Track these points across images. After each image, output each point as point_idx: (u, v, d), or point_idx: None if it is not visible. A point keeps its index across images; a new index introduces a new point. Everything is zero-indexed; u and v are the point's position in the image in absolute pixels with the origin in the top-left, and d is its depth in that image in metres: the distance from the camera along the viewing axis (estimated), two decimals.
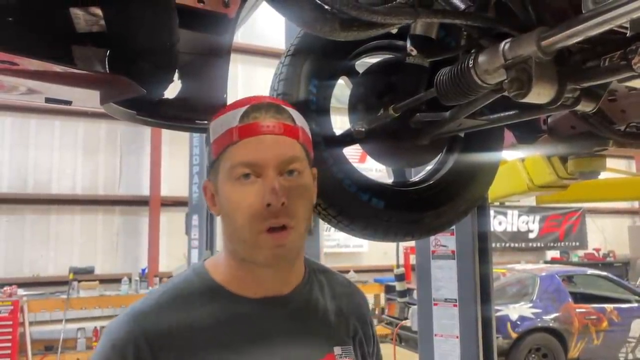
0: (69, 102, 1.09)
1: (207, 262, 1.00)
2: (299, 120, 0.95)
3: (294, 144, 0.92)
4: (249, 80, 9.25)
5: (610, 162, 2.34)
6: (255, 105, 0.92)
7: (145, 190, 9.24)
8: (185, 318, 0.91)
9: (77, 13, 1.10)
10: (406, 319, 6.59)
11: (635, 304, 7.27)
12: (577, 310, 6.88)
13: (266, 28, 8.43)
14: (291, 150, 0.91)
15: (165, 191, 9.23)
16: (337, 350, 0.98)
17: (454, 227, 2.46)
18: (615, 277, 7.98)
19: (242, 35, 8.70)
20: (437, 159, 1.61)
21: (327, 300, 1.04)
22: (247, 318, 0.93)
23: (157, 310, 0.92)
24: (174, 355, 0.88)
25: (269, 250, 0.89)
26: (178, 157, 8.96)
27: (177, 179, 8.97)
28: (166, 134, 9.10)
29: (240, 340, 0.91)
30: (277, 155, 0.89)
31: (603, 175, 2.44)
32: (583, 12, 0.95)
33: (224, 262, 0.97)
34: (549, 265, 9.44)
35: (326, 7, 0.94)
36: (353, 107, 1.44)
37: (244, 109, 0.91)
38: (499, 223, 12.22)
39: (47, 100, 1.05)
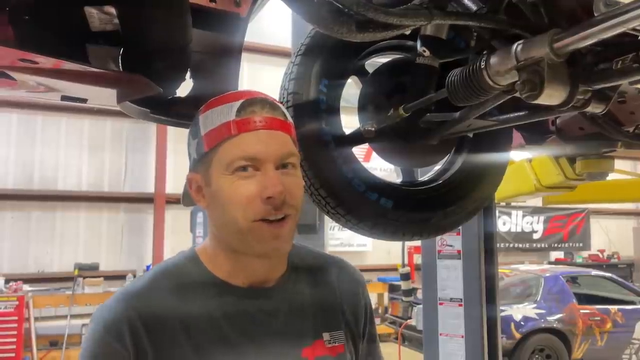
0: (84, 100, 1.10)
1: (197, 248, 1.01)
2: (289, 116, 0.97)
3: (288, 139, 0.94)
4: (254, 78, 9.26)
5: (616, 164, 2.34)
6: (250, 100, 0.92)
7: (150, 188, 9.26)
8: (177, 302, 0.91)
9: (91, 12, 1.12)
10: (409, 318, 6.60)
11: None
12: (581, 311, 6.88)
13: (272, 27, 8.42)
14: (287, 145, 0.93)
15: (170, 189, 9.25)
16: (325, 336, 0.99)
17: (460, 227, 2.46)
18: (619, 279, 7.97)
19: (248, 34, 8.66)
20: (445, 159, 1.62)
21: (315, 288, 1.03)
22: (236, 307, 0.94)
23: (148, 291, 0.92)
24: (168, 337, 0.88)
25: (266, 243, 0.90)
26: (183, 154, 8.67)
27: (182, 176, 8.80)
28: (171, 132, 9.12)
29: (229, 329, 0.92)
30: (276, 150, 0.91)
31: (609, 177, 2.44)
32: (595, 14, 0.96)
33: (213, 253, 0.98)
34: (553, 266, 9.43)
35: (343, 8, 0.95)
36: (363, 107, 1.44)
37: (239, 102, 0.92)
38: (503, 223, 12.19)
39: (64, 98, 1.06)
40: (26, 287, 7.24)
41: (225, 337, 0.91)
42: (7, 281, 7.17)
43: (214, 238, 0.98)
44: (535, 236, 12.69)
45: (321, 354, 0.97)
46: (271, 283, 0.98)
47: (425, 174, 1.68)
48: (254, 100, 0.92)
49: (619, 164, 2.40)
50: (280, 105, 0.97)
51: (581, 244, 13.07)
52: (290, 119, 0.97)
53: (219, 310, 0.92)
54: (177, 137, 9.17)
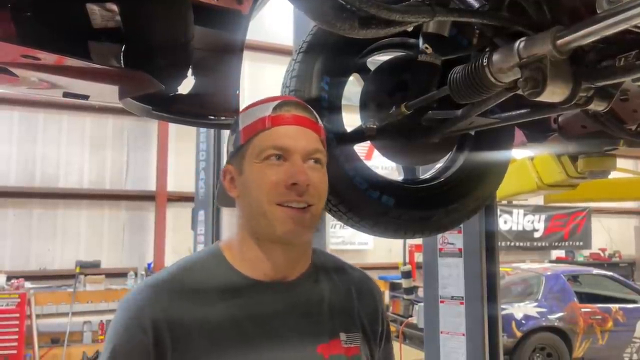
0: (86, 97, 1.11)
1: (221, 243, 1.06)
2: (320, 121, 1.05)
3: (317, 138, 1.01)
4: (256, 76, 9.25)
5: (618, 162, 2.33)
6: (286, 101, 1.03)
7: (151, 186, 9.26)
8: (197, 296, 0.95)
9: (93, 9, 1.12)
10: (410, 316, 6.61)
11: None
12: (582, 310, 6.88)
13: (274, 24, 8.40)
14: (316, 142, 1.01)
15: (172, 186, 9.25)
16: (342, 336, 1.02)
17: (461, 225, 2.46)
18: (620, 277, 7.97)
19: (249, 32, 8.64)
20: (447, 157, 1.62)
21: (335, 291, 1.07)
22: (255, 301, 0.98)
23: (172, 284, 0.96)
24: (187, 330, 0.92)
25: (288, 226, 0.95)
26: (185, 152, 8.97)
27: (183, 174, 8.98)
28: (173, 129, 9.12)
29: (247, 322, 0.95)
30: (305, 144, 0.98)
31: (611, 175, 2.43)
32: (597, 12, 0.95)
33: (238, 244, 1.02)
34: (554, 264, 9.43)
35: (346, 4, 0.95)
36: (364, 105, 1.44)
37: (276, 102, 1.01)
38: (505, 222, 12.19)
39: (66, 94, 1.07)
40: (28, 285, 7.25)
41: (242, 330, 0.94)
42: (8, 278, 7.18)
43: (241, 228, 1.03)
44: (537, 235, 12.68)
45: (336, 352, 1.00)
46: (293, 277, 1.02)
47: (426, 172, 1.68)
48: (290, 102, 1.03)
49: (620, 162, 2.39)
50: (313, 110, 1.05)
51: (582, 243, 13.06)
52: (321, 123, 1.04)
53: (238, 304, 0.96)
54: (179, 135, 9.17)
